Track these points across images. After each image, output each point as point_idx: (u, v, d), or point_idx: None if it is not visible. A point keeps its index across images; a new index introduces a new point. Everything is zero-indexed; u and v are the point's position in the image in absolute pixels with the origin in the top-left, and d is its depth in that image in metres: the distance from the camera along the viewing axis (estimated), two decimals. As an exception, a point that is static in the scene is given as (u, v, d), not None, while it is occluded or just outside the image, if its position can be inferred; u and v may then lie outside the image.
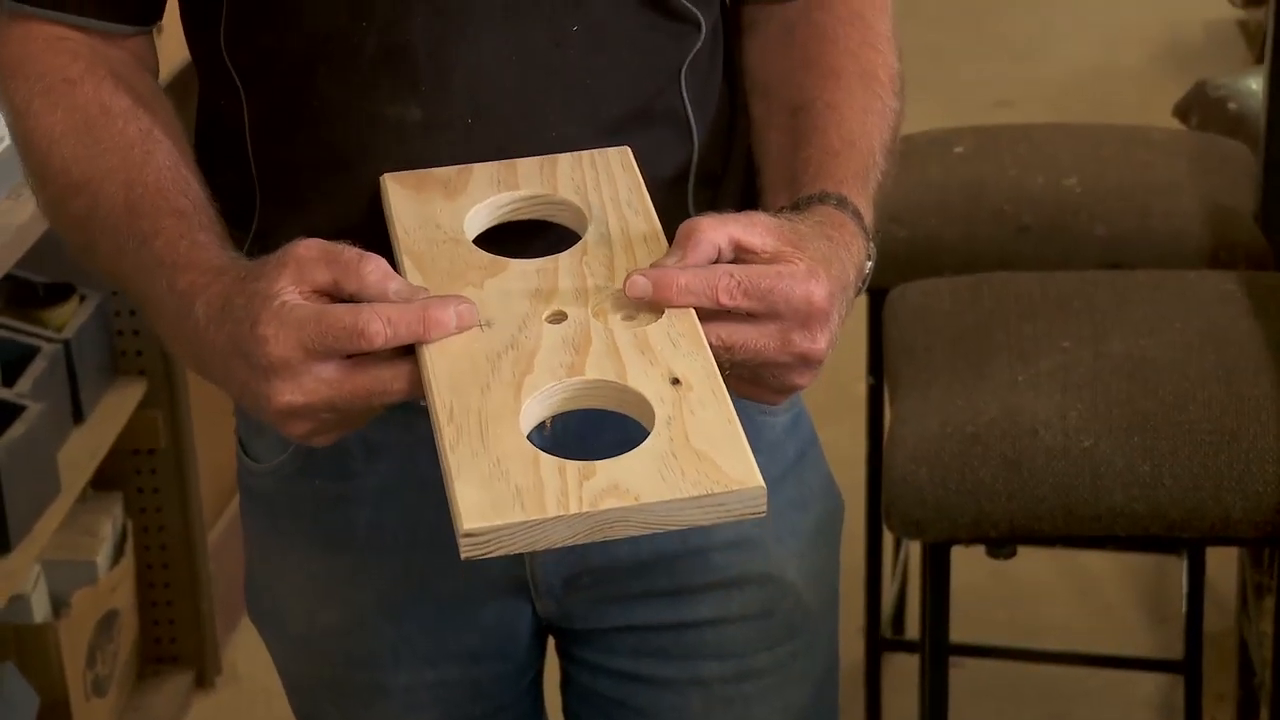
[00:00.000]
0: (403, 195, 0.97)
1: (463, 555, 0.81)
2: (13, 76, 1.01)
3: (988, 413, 1.54)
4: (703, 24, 1.03)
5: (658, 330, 0.88)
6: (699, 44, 1.03)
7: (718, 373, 0.86)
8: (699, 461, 0.82)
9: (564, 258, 0.93)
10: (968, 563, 1.79)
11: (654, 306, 0.89)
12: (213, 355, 0.90)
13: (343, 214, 0.99)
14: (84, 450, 1.99)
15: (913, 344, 1.68)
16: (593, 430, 0.95)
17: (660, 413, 0.85)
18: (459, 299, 0.89)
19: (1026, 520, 1.51)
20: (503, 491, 0.81)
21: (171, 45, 1.13)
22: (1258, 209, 1.92)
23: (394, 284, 0.88)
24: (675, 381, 0.86)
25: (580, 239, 0.95)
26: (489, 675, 1.12)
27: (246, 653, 2.32)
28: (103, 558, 2.08)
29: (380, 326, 0.85)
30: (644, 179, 0.99)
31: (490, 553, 0.81)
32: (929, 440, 1.53)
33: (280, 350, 0.86)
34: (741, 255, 0.91)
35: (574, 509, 0.80)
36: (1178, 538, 1.51)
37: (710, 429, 0.84)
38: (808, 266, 0.90)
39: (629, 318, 0.89)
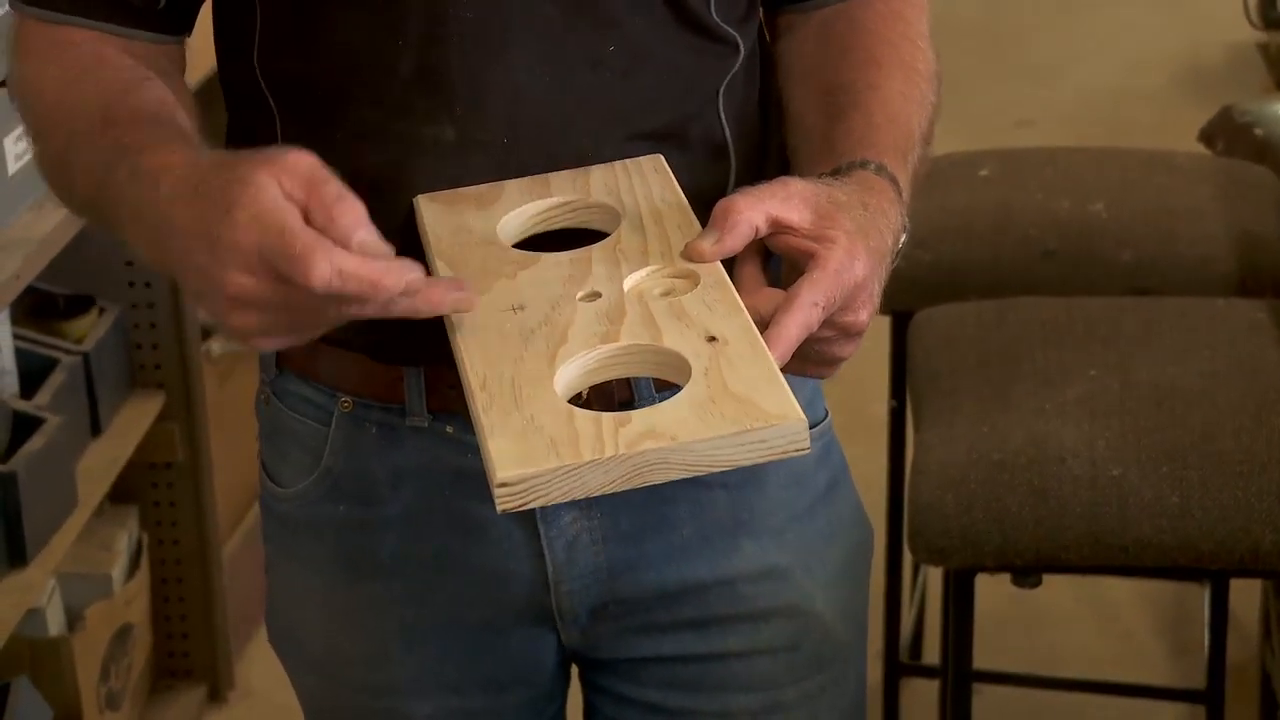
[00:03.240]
0: (435, 209, 0.97)
1: (499, 507, 0.79)
2: (25, 56, 1.01)
3: (1014, 440, 1.52)
4: (740, 46, 1.02)
5: (692, 298, 0.88)
6: (736, 66, 1.02)
7: (756, 331, 0.85)
8: (738, 403, 0.81)
9: (597, 248, 0.93)
10: (987, 587, 1.78)
11: (692, 281, 0.89)
12: (172, 233, 0.87)
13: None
14: (101, 463, 1.98)
15: (938, 368, 1.67)
16: None
17: (697, 366, 0.84)
18: (450, 282, 0.87)
19: (1053, 549, 1.50)
20: (536, 442, 0.80)
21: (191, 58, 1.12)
22: (1283, 234, 1.91)
23: (361, 233, 0.84)
24: (711, 339, 0.85)
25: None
26: (513, 704, 1.10)
27: (260, 668, 2.31)
28: (118, 571, 2.07)
29: (326, 272, 0.82)
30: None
31: (526, 503, 0.79)
32: (955, 467, 1.52)
33: (246, 238, 0.83)
34: (778, 231, 0.91)
35: (609, 453, 0.79)
36: (1205, 569, 1.49)
37: (749, 376, 0.83)
38: (846, 243, 0.90)
39: (666, 294, 0.89)
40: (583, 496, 0.80)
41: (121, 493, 2.09)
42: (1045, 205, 1.91)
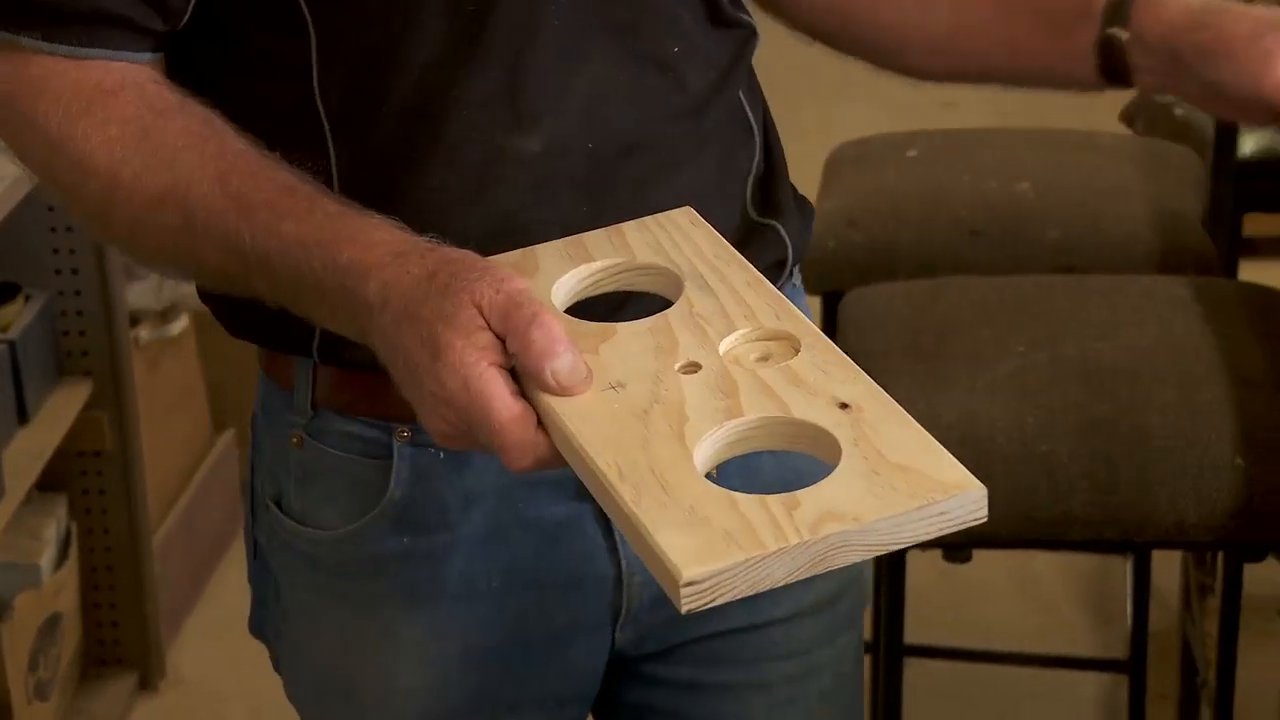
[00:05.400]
0: None
1: (684, 608, 0.75)
2: (37, 97, 0.91)
3: (946, 418, 1.54)
4: (755, 26, 1.05)
5: (802, 364, 0.84)
6: (755, 47, 1.05)
7: (883, 391, 0.82)
8: (904, 473, 0.77)
9: (672, 314, 0.88)
10: (919, 563, 1.80)
11: (789, 344, 0.85)
12: (384, 339, 0.86)
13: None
14: (29, 451, 1.97)
15: (869, 348, 1.68)
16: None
17: (841, 435, 0.79)
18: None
19: (984, 525, 1.51)
20: (711, 535, 0.76)
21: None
22: (1205, 214, 1.94)
23: (556, 363, 0.82)
24: (844, 406, 0.81)
25: (668, 303, 0.90)
26: (569, 718, 1.08)
27: (191, 656, 2.30)
28: (46, 560, 2.05)
29: (527, 465, 0.83)
30: (723, 181, 0.99)
31: (711, 602, 0.75)
32: (888, 445, 1.53)
33: (453, 400, 0.83)
34: None
35: (794, 540, 0.75)
36: (1131, 543, 1.52)
37: (901, 442, 0.79)
38: None
39: (763, 358, 0.85)
40: (767, 588, 0.76)
41: (50, 481, 2.08)
42: (974, 186, 1.93)
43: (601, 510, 0.96)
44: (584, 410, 0.82)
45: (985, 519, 0.77)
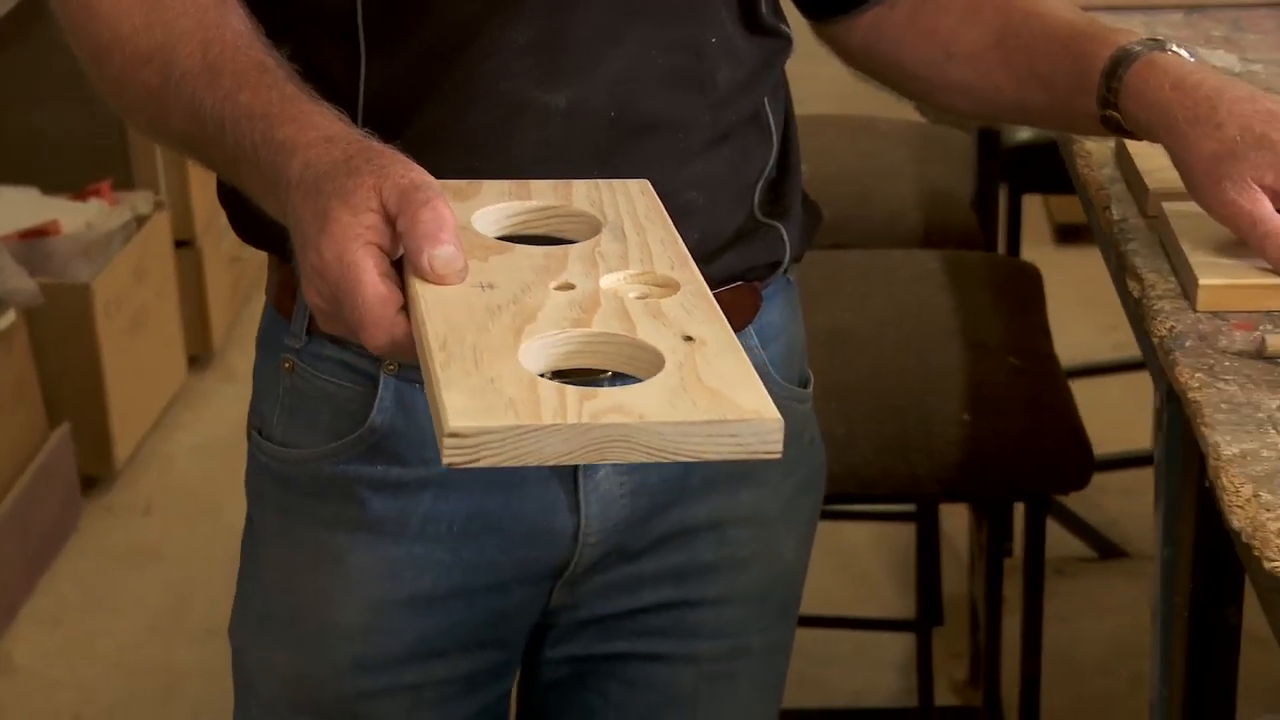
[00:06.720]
0: None
1: (445, 460, 0.75)
2: None
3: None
4: (791, 40, 1.08)
5: (671, 303, 0.85)
6: (787, 58, 1.08)
7: (734, 337, 0.82)
8: (710, 394, 0.77)
9: (575, 247, 0.90)
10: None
11: (670, 287, 0.86)
12: (290, 213, 0.88)
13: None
14: None
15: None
16: None
17: (671, 360, 0.80)
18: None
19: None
20: (494, 401, 0.76)
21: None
22: (973, 194, 2.05)
23: (438, 249, 0.83)
24: (688, 339, 0.81)
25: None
26: (486, 666, 1.10)
27: (25, 645, 2.34)
28: None
29: (381, 344, 0.84)
30: (734, 182, 1.02)
31: (475, 461, 0.75)
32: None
33: (325, 272, 0.84)
34: None
35: (571, 420, 0.75)
36: (870, 496, 1.62)
37: (725, 373, 0.79)
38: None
39: (641, 297, 0.86)
40: (535, 464, 0.76)
41: None
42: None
43: (571, 466, 1.02)
44: (444, 296, 0.83)
45: (779, 454, 0.77)
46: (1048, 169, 2.13)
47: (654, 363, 0.80)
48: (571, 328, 0.82)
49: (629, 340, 0.81)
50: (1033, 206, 3.37)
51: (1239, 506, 0.88)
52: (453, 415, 0.75)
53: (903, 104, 2.62)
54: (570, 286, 0.85)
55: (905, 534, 2.52)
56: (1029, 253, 2.51)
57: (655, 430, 0.75)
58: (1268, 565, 0.84)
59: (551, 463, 0.76)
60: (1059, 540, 2.41)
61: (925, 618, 2.08)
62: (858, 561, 2.49)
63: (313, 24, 0.99)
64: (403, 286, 0.85)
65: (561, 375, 0.80)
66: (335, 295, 0.85)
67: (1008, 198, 2.28)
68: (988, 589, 1.87)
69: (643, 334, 0.82)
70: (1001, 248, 2.26)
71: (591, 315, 0.83)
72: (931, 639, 2.06)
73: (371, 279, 0.83)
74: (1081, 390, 2.40)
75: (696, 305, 0.85)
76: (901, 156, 2.07)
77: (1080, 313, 2.95)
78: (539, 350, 0.81)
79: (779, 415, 0.77)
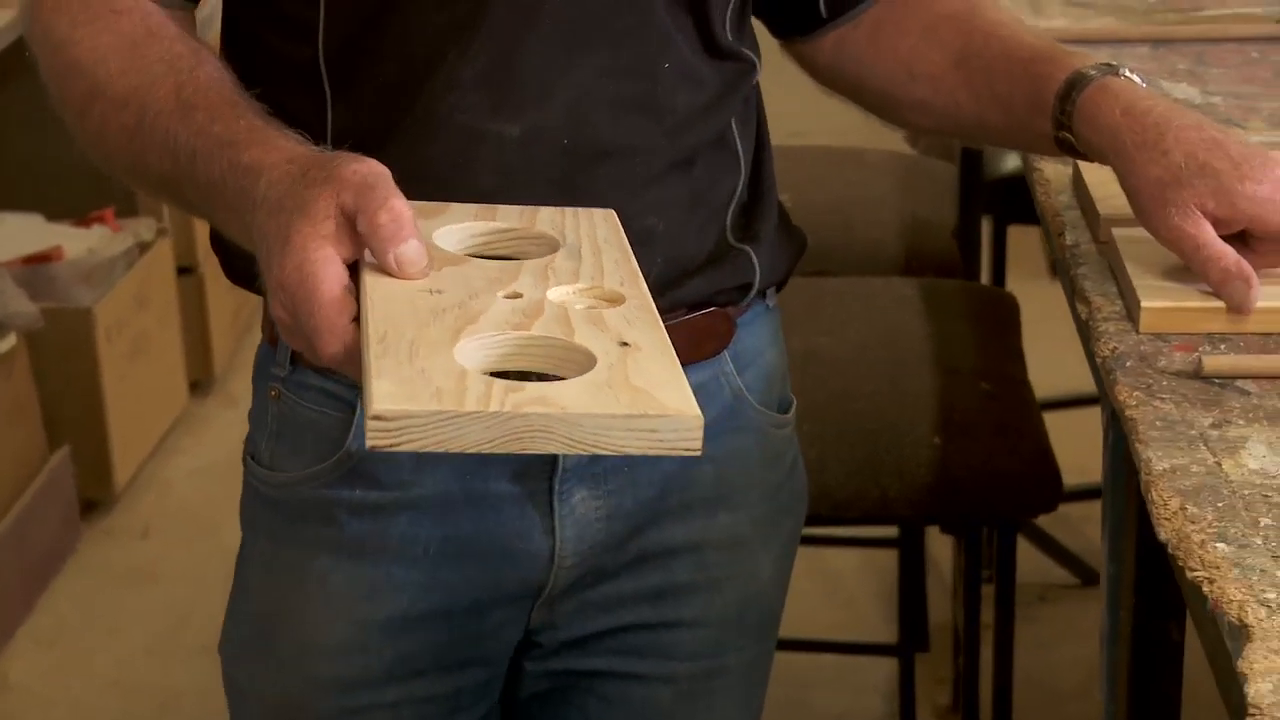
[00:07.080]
0: None
1: (369, 442, 0.77)
2: (54, 11, 1.00)
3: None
4: (756, 64, 1.09)
5: (614, 313, 0.87)
6: (754, 81, 1.09)
7: (670, 345, 0.84)
8: (633, 391, 0.79)
9: (528, 262, 0.92)
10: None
11: (617, 301, 0.88)
12: (257, 233, 0.89)
13: None
14: None
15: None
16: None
17: (603, 362, 0.82)
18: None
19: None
20: (420, 388, 0.78)
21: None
22: (955, 222, 2.08)
23: (402, 248, 0.86)
24: (624, 344, 0.83)
25: None
26: (470, 685, 1.11)
27: (22, 663, 2.37)
28: None
29: (334, 352, 0.85)
30: (698, 206, 1.03)
31: (398, 444, 0.77)
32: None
33: (286, 286, 0.86)
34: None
35: (494, 409, 0.77)
36: (843, 518, 1.64)
37: (653, 375, 0.81)
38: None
39: (588, 308, 0.88)
40: (458, 450, 0.77)
41: None
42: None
43: (546, 490, 1.05)
44: (391, 296, 0.85)
45: (699, 452, 0.78)
46: (1032, 201, 2.17)
47: (587, 366, 0.82)
48: (511, 331, 0.84)
49: (564, 344, 0.83)
50: (1029, 239, 3.39)
51: (1166, 519, 0.90)
52: (377, 399, 0.77)
53: (895, 133, 2.67)
54: (518, 295, 0.87)
55: (891, 560, 2.54)
56: (1023, 285, 2.53)
57: (575, 422, 0.77)
58: (1190, 575, 0.86)
59: (473, 450, 0.77)
60: (1041, 567, 2.43)
61: (908, 642, 2.10)
62: (844, 587, 2.51)
63: (279, 71, 1.03)
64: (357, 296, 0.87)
65: (502, 378, 0.82)
66: (294, 304, 0.86)
67: (992, 229, 2.31)
68: (966, 614, 1.90)
69: (580, 339, 0.83)
70: (985, 278, 2.29)
71: (533, 321, 0.85)
72: (914, 664, 2.08)
73: (328, 286, 0.85)
74: (1074, 420, 2.43)
75: (639, 316, 0.87)
76: (886, 186, 2.11)
77: (1075, 345, 2.97)
78: (475, 350, 0.82)
79: (699, 413, 0.78)
